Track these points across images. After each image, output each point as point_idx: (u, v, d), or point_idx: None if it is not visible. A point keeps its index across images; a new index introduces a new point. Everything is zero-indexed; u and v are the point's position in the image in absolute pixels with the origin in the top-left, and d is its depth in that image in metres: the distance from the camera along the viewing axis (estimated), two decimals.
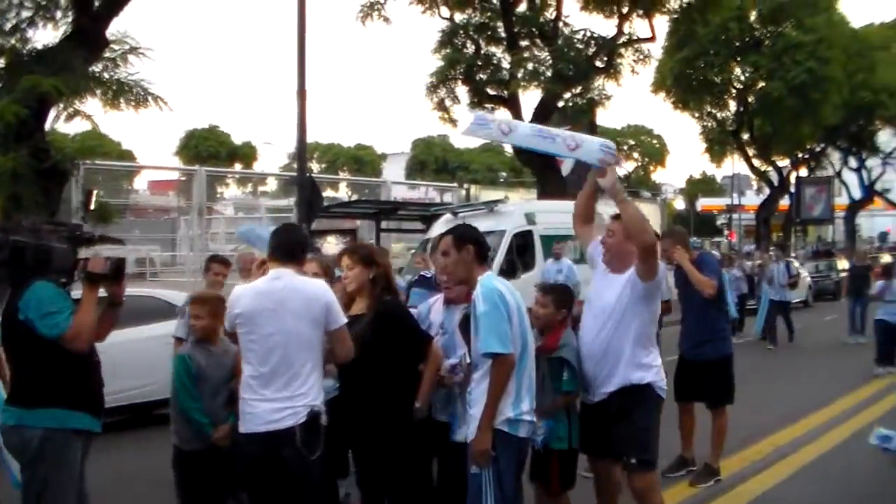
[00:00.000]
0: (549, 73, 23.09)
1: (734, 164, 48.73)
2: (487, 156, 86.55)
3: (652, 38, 25.52)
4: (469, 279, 5.20)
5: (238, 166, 69.64)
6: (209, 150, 70.66)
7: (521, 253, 17.02)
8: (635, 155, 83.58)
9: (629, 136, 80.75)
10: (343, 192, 64.81)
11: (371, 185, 44.32)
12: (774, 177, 47.46)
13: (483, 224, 14.76)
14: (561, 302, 6.04)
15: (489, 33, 24.85)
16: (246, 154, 75.74)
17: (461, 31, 24.80)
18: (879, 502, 7.63)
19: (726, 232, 58.96)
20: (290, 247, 5.20)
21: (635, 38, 24.93)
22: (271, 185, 73.96)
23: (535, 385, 5.17)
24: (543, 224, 16.97)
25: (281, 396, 4.89)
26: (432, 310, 6.07)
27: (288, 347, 4.91)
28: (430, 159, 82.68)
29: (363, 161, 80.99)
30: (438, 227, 17.05)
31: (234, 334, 5.18)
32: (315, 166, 72.34)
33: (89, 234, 5.41)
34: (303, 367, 4.94)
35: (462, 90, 25.34)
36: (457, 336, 5.86)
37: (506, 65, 24.55)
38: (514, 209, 17.46)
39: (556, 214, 17.68)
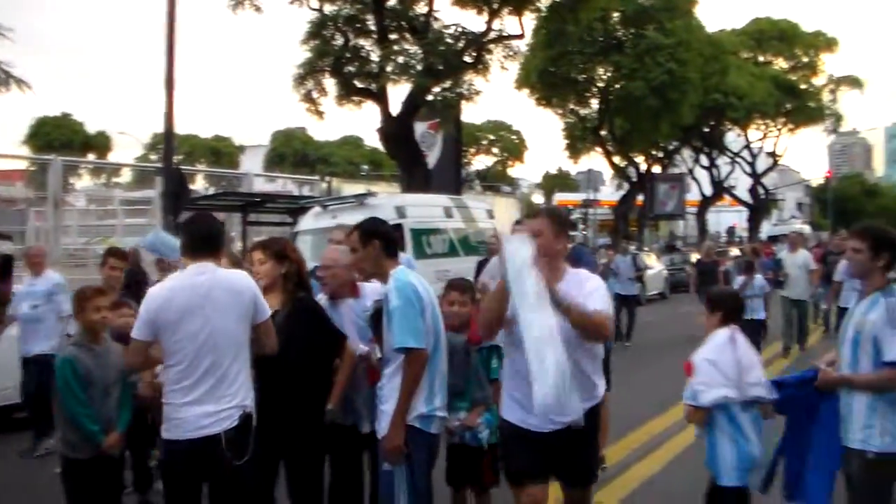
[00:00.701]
0: (419, 67, 23.11)
1: (591, 161, 49.89)
2: (348, 149, 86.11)
3: (521, 36, 25.86)
4: (379, 273, 5.13)
5: (91, 156, 67.25)
6: (61, 138, 68.05)
7: None
8: (494, 150, 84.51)
9: (489, 131, 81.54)
10: (200, 184, 63.24)
11: (229, 177, 43.46)
12: (633, 173, 48.80)
13: (353, 217, 14.61)
14: (474, 298, 6.19)
15: (358, 26, 24.68)
16: (100, 144, 73.22)
17: (330, 23, 24.59)
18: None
19: (581, 226, 60.18)
20: (208, 238, 4.93)
21: (505, 34, 25.19)
22: (126, 176, 71.80)
23: (446, 380, 5.16)
24: (413, 217, 16.92)
25: (212, 399, 4.65)
26: None
27: (217, 345, 4.67)
28: (290, 152, 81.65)
29: (221, 153, 79.27)
30: (308, 221, 16.85)
31: (124, 336, 4.89)
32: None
33: None
34: (232, 365, 4.73)
35: (330, 82, 25.16)
36: (348, 333, 5.84)
37: (375, 58, 24.45)
38: (384, 202, 17.36)
39: (426, 208, 17.74)
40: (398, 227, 16.62)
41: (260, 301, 4.89)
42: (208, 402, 4.64)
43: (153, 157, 72.77)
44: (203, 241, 4.91)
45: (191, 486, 4.73)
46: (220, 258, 5.05)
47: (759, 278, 15.22)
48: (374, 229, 5.21)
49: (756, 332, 14.71)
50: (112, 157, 72.79)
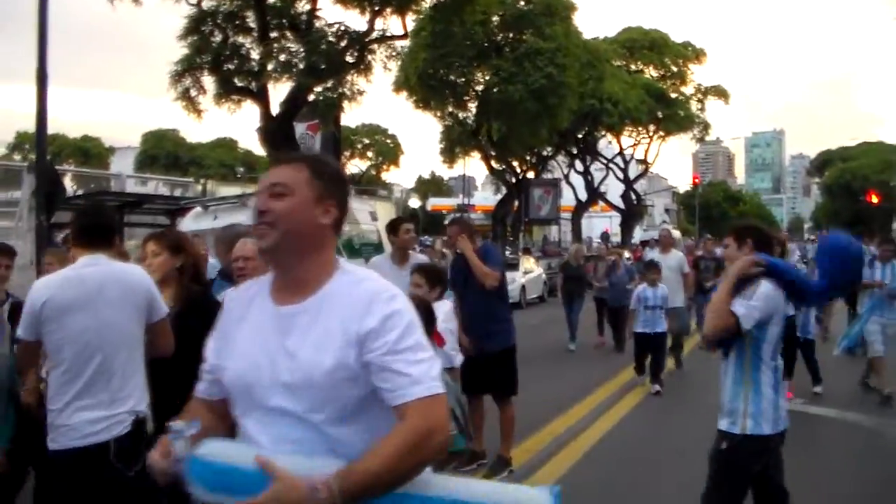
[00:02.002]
0: (301, 66, 22.72)
1: (466, 166, 50.15)
2: (221, 151, 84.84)
3: (404, 36, 25.69)
4: None
5: None
6: None
7: None
8: (369, 154, 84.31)
9: (364, 135, 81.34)
10: (68, 185, 61.10)
11: (99, 177, 42.17)
12: (510, 178, 49.20)
13: (236, 217, 14.27)
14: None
15: (238, 23, 24.12)
16: None
17: (209, 19, 23.96)
18: (658, 477, 7.99)
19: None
20: (100, 229, 4.56)
21: (388, 34, 24.98)
22: None
23: None
24: None
25: (101, 402, 4.25)
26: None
27: (106, 344, 4.29)
28: (162, 154, 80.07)
29: (90, 154, 77.12)
30: (188, 222, 16.36)
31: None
32: None
33: None
34: (124, 367, 4.35)
35: (209, 80, 24.52)
36: None
37: (255, 56, 23.98)
38: None
39: None
40: None
41: (155, 298, 4.57)
42: (97, 406, 4.26)
43: (17, 157, 70.25)
44: (94, 230, 4.54)
45: (81, 499, 4.28)
46: (113, 251, 4.68)
47: (662, 288, 13.14)
48: None
49: (659, 348, 13.03)
50: None
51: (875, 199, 65.02)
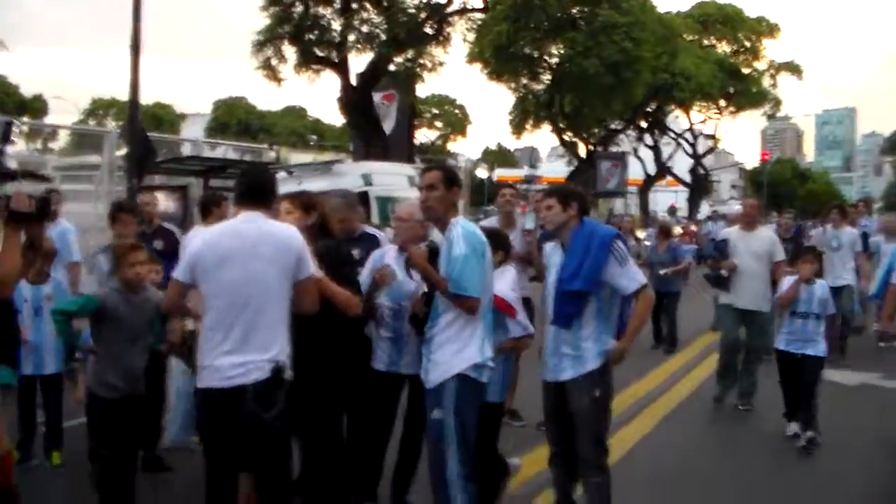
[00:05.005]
0: (383, 37, 23.11)
1: (533, 137, 50.04)
2: (290, 119, 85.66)
3: (484, 9, 25.94)
4: (444, 219, 5.14)
5: (26, 120, 65.58)
6: None
7: None
8: (438, 124, 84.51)
9: (433, 105, 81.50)
10: None
11: (171, 143, 42.97)
12: (582, 150, 49.14)
13: (320, 183, 14.70)
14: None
15: None
16: (36, 108, 71.55)
17: None
18: (739, 443, 8.36)
19: (522, 203, 60.26)
20: (259, 188, 4.86)
21: (468, 7, 25.25)
22: (62, 141, 69.87)
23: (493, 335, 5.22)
24: (379, 185, 17.00)
25: (243, 349, 4.53)
26: (386, 256, 6.04)
27: (255, 296, 4.57)
28: (232, 121, 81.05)
29: (162, 120, 78.12)
30: None
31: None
32: (111, 123, 69.30)
33: (9, 170, 4.99)
34: (270, 318, 4.63)
35: (290, 50, 25.00)
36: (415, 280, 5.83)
37: (336, 27, 24.40)
38: (351, 169, 17.46)
39: (391, 176, 17.82)
40: (364, 194, 16.73)
41: (304, 257, 4.80)
42: (239, 352, 4.54)
43: (92, 122, 71.67)
44: (254, 190, 4.83)
45: (222, 436, 4.63)
46: (271, 211, 4.98)
47: (821, 285, 8.39)
48: (458, 178, 5.28)
49: (811, 379, 8.17)
50: (48, 122, 71.03)
51: None
